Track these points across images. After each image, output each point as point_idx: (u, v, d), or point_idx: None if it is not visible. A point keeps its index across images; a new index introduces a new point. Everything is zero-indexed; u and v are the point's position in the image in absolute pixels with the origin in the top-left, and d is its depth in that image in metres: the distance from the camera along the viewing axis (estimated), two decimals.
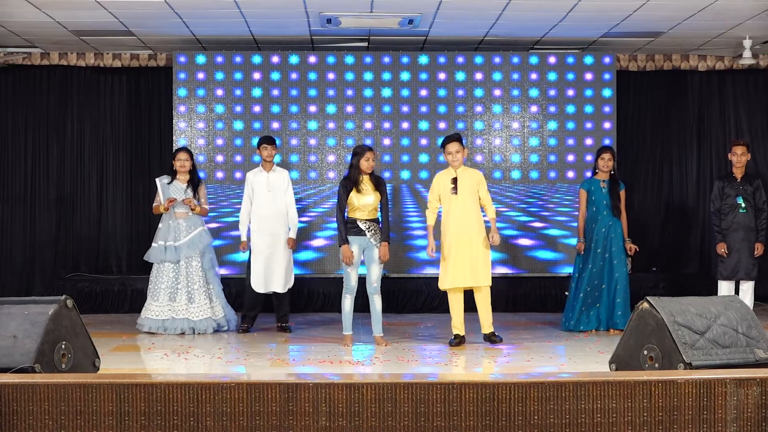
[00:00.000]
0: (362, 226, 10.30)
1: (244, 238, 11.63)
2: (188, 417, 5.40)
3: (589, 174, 12.92)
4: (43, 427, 5.38)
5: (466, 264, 10.36)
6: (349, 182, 10.39)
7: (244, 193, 11.68)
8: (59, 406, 5.40)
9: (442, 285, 10.56)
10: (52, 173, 14.38)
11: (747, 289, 11.63)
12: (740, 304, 6.75)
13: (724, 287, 11.64)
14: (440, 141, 13.76)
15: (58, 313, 6.39)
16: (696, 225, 14.76)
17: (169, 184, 11.49)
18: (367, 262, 10.41)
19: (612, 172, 11.62)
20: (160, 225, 11.53)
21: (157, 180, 11.63)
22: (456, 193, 10.39)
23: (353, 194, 10.32)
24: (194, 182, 11.54)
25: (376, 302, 10.43)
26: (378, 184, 10.47)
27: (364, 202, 10.32)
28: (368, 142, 13.74)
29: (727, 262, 11.60)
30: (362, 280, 10.61)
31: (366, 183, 10.37)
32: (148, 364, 9.57)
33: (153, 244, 11.49)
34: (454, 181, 10.41)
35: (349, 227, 10.35)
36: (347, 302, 10.43)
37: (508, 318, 12.61)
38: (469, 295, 10.68)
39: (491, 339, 10.46)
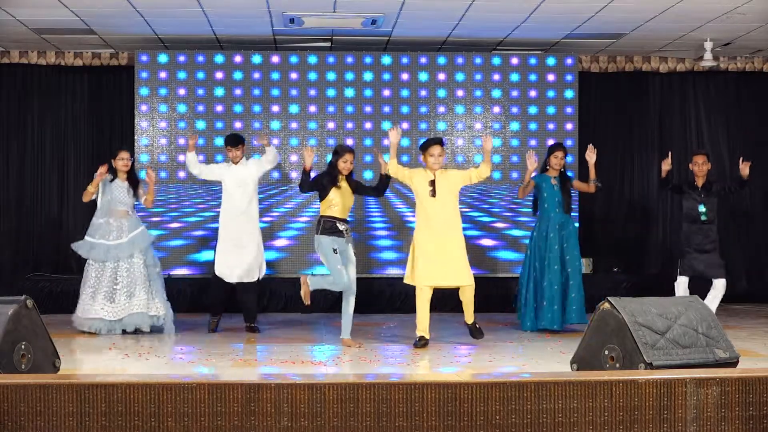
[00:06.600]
0: (341, 227, 10.21)
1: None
2: (149, 417, 5.38)
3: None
4: (2, 427, 5.33)
5: (445, 263, 10.25)
6: (329, 177, 10.31)
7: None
8: (19, 406, 5.36)
9: (417, 281, 10.31)
10: (12, 172, 14.27)
11: (720, 287, 11.64)
12: (700, 305, 6.80)
13: (682, 283, 11.72)
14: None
15: (18, 313, 6.35)
16: (657, 226, 14.84)
17: (111, 182, 11.34)
18: (345, 263, 10.35)
19: (562, 170, 11.62)
20: (98, 221, 11.25)
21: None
22: (434, 195, 10.27)
23: (333, 190, 10.26)
24: (134, 181, 11.40)
25: (351, 302, 10.36)
26: (356, 186, 10.49)
27: (344, 200, 10.28)
28: (330, 142, 13.72)
29: (689, 259, 11.68)
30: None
31: (344, 182, 10.34)
32: (109, 365, 9.51)
33: (87, 238, 11.24)
34: (432, 183, 10.29)
35: (328, 226, 10.21)
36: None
37: None
38: (437, 295, 10.70)
39: (473, 329, 10.43)
